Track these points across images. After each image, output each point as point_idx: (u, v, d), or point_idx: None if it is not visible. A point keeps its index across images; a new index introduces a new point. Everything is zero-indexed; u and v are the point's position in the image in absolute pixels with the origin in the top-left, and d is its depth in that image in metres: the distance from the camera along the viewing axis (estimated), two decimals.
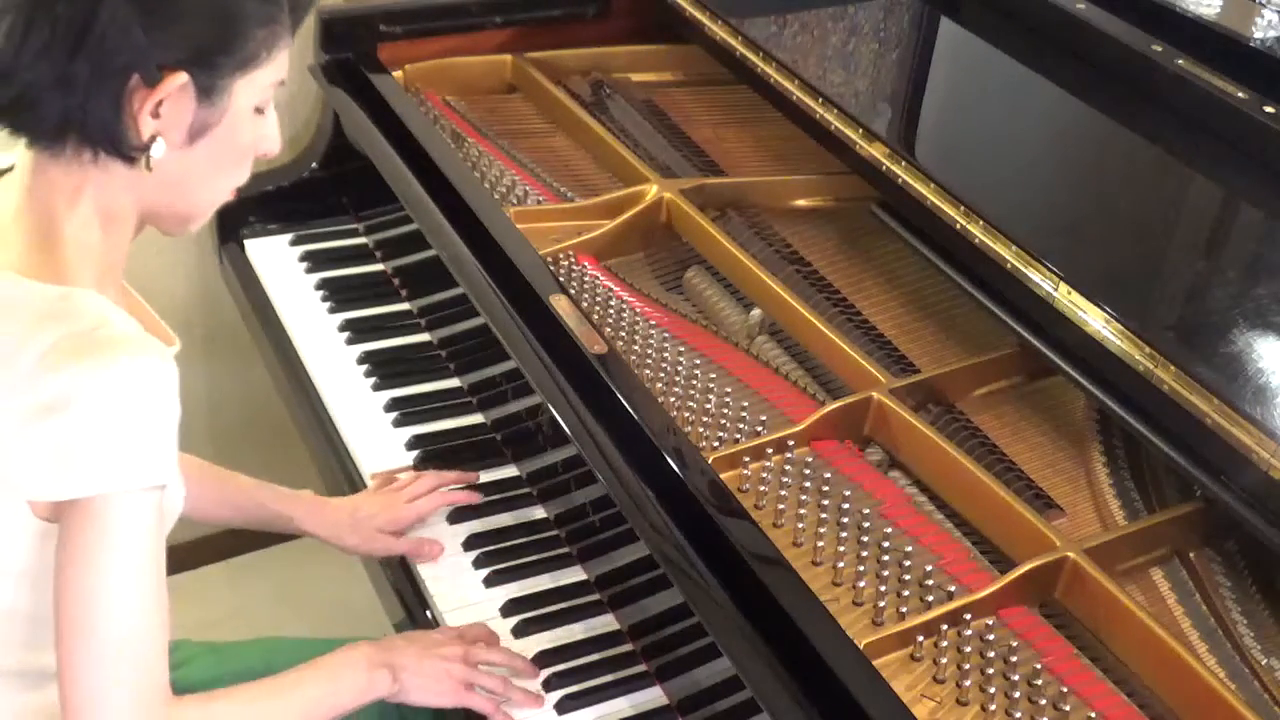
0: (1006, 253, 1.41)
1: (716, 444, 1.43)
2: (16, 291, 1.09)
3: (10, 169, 1.16)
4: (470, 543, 1.55)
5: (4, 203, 1.14)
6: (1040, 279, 1.37)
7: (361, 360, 1.81)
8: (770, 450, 1.42)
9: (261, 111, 1.17)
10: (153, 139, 1.09)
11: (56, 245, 1.11)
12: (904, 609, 1.28)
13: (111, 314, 1.10)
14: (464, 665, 1.35)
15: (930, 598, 1.29)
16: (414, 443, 1.68)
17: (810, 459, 1.43)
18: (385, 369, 1.79)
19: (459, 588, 1.50)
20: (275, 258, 2.00)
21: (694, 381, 1.52)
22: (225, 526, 1.57)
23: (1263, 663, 1.24)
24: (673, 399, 1.49)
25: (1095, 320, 1.32)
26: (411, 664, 1.32)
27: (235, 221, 2.05)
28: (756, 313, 1.64)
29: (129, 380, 1.06)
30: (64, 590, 1.09)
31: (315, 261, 1.98)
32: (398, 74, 1.99)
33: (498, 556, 1.53)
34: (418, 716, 1.47)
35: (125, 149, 1.09)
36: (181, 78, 1.07)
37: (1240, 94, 1.52)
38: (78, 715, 1.09)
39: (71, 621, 1.09)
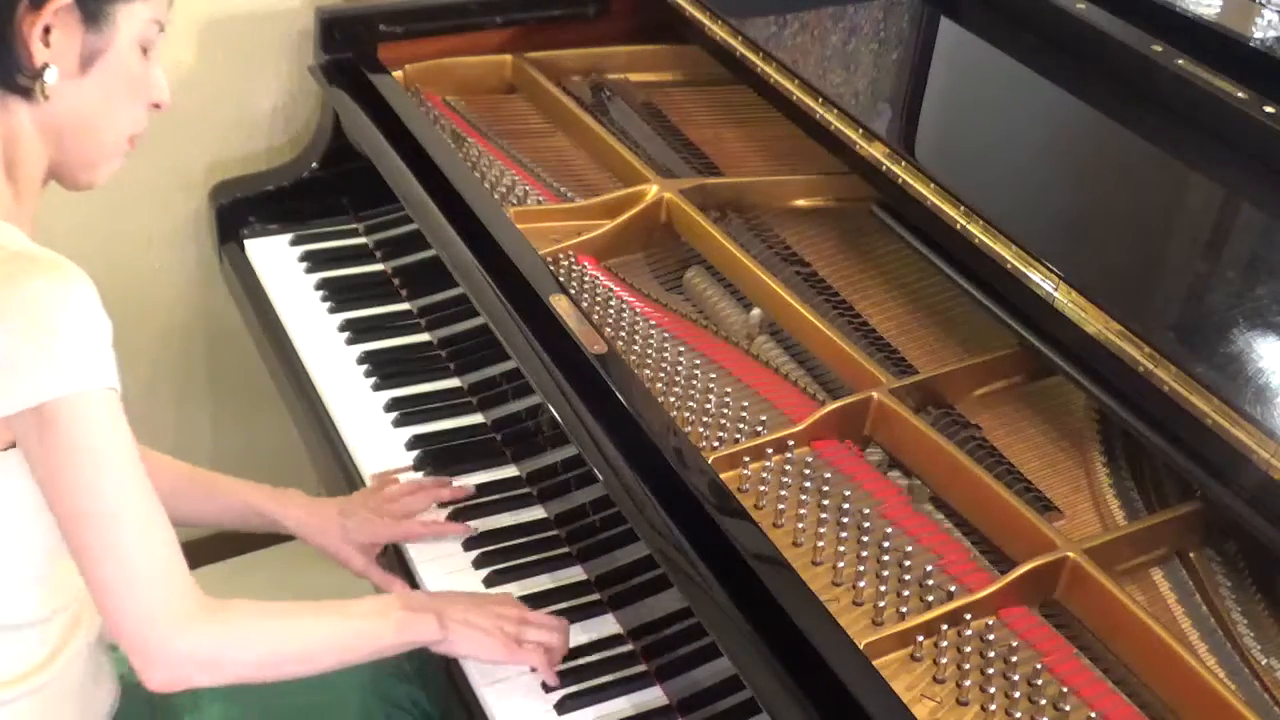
0: (1006, 253, 1.41)
1: (716, 444, 1.43)
2: None
3: None
4: (470, 543, 1.54)
5: None
6: (1040, 279, 1.37)
7: (361, 360, 1.81)
8: (770, 450, 1.42)
9: (146, 53, 1.22)
10: (45, 66, 1.14)
11: None
12: (904, 609, 1.28)
13: (21, 237, 1.14)
14: (516, 624, 1.35)
15: (930, 598, 1.29)
16: (414, 443, 1.68)
17: (810, 459, 1.43)
18: (385, 369, 1.79)
19: (459, 588, 1.50)
20: (275, 258, 2.00)
21: (694, 381, 1.52)
22: (214, 528, 1.57)
23: (1263, 663, 1.24)
24: (673, 399, 1.49)
25: (1095, 320, 1.32)
26: (461, 614, 1.32)
27: (235, 221, 2.05)
28: (757, 312, 1.64)
29: (61, 289, 1.09)
30: (59, 507, 1.11)
31: (315, 261, 1.98)
32: (398, 74, 1.99)
33: (498, 556, 1.53)
34: (402, 689, 1.48)
35: (21, 79, 1.14)
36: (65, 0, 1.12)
37: (1240, 94, 1.52)
38: (120, 623, 1.12)
39: (80, 533, 1.11)
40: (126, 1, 1.16)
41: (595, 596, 1.48)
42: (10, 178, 1.18)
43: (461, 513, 1.58)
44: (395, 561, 1.56)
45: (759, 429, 1.45)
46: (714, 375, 1.53)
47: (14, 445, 1.13)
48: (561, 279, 1.60)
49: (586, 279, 1.66)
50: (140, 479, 1.13)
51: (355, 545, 1.52)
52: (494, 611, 1.35)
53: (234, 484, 1.54)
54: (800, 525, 1.36)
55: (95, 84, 1.18)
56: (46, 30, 1.12)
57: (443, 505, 1.59)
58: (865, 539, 1.35)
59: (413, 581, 1.52)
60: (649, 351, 1.56)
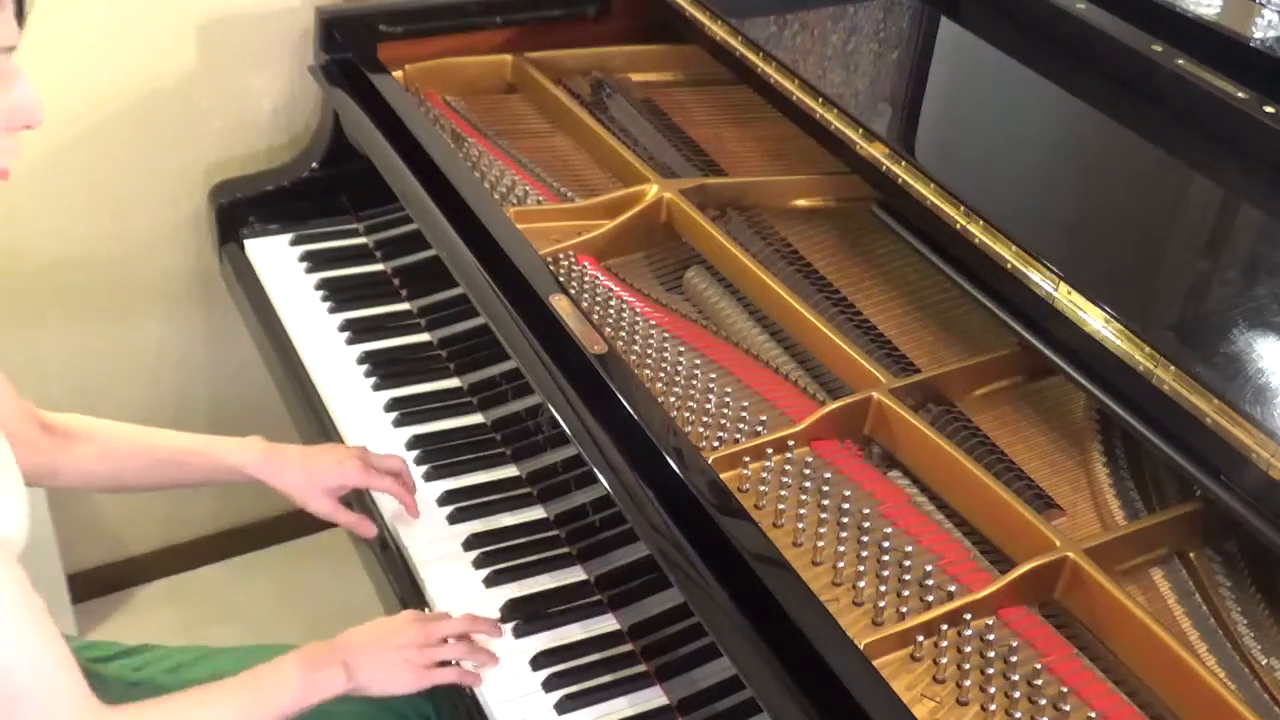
0: (1006, 253, 1.41)
1: (716, 444, 1.43)
2: None
3: None
4: (470, 543, 1.55)
5: None
6: (1040, 279, 1.37)
7: (361, 360, 1.81)
8: (770, 450, 1.42)
9: None
10: None
11: None
12: (904, 609, 1.28)
13: None
14: (422, 649, 1.34)
15: (930, 598, 1.29)
16: (414, 442, 1.68)
17: (810, 459, 1.43)
18: (385, 369, 1.79)
19: (459, 588, 1.50)
20: (275, 258, 2.00)
21: (694, 381, 1.52)
22: (175, 487, 1.57)
23: (1263, 663, 1.24)
24: (673, 399, 1.49)
25: (1095, 320, 1.32)
26: (366, 660, 1.31)
27: (235, 221, 2.05)
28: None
29: None
30: None
31: (315, 261, 1.98)
32: (398, 74, 1.99)
33: (498, 556, 1.53)
34: (404, 706, 1.47)
35: None
36: None
37: (1240, 94, 1.52)
38: None
39: None
40: None
41: (595, 596, 1.48)
42: None
43: (462, 513, 1.58)
44: (397, 564, 1.56)
45: (759, 429, 1.45)
46: (714, 375, 1.53)
47: None
48: (561, 279, 1.60)
49: (586, 279, 1.66)
50: (26, 628, 1.09)
51: (320, 488, 1.52)
52: (397, 642, 1.34)
53: (196, 443, 1.52)
54: (800, 525, 1.36)
55: None
56: None
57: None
58: (865, 539, 1.35)
59: (412, 581, 1.53)
60: (649, 351, 1.56)
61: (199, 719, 1.23)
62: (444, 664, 1.37)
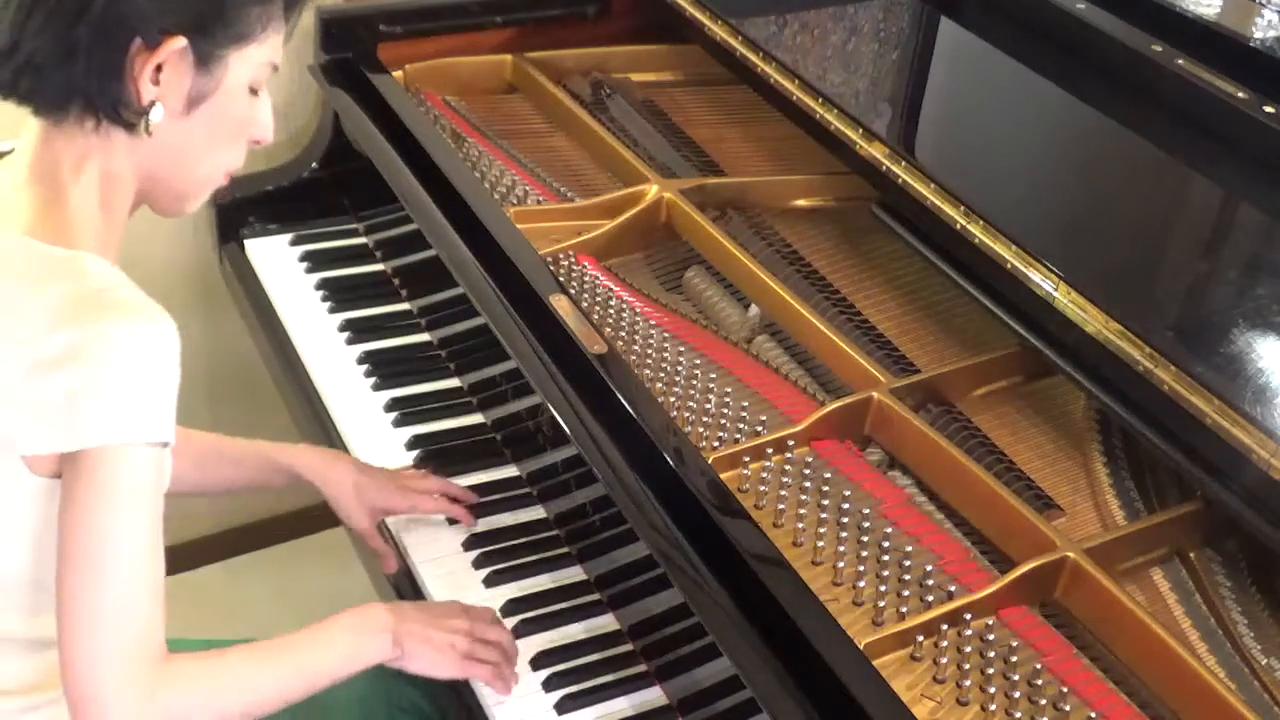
0: (1006, 253, 1.41)
1: (716, 444, 1.43)
2: (28, 251, 1.14)
3: (9, 151, 1.20)
4: (470, 543, 1.55)
5: (9, 176, 1.19)
6: (1040, 279, 1.37)
7: (361, 360, 1.81)
8: (770, 450, 1.42)
9: (255, 93, 1.22)
10: (152, 104, 1.14)
11: (63, 211, 1.16)
12: (904, 609, 1.28)
13: (118, 278, 1.15)
14: (467, 638, 1.35)
15: (930, 598, 1.29)
16: (414, 443, 1.68)
17: (810, 459, 1.43)
18: (385, 369, 1.79)
19: (459, 588, 1.50)
20: (275, 258, 2.00)
21: (694, 381, 1.52)
22: (228, 491, 1.58)
23: (1263, 663, 1.24)
24: (673, 399, 1.49)
25: (1095, 320, 1.32)
26: (417, 632, 1.32)
27: (235, 221, 2.05)
28: (755, 310, 1.64)
29: (138, 338, 1.10)
30: (65, 542, 1.11)
31: (315, 261, 1.98)
32: (398, 74, 1.99)
33: (498, 556, 1.53)
34: (405, 692, 1.48)
35: (126, 113, 1.14)
36: (180, 42, 1.11)
37: (1240, 94, 1.52)
38: (74, 666, 1.11)
39: (71, 573, 1.10)
40: (240, 46, 1.16)
41: (595, 596, 1.48)
42: (105, 207, 1.18)
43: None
44: (398, 562, 1.55)
45: (759, 429, 1.45)
46: (714, 375, 1.53)
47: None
48: (561, 279, 1.60)
49: (586, 279, 1.66)
50: (150, 540, 1.12)
51: (364, 504, 1.53)
52: (447, 626, 1.35)
53: (255, 445, 1.56)
54: (800, 525, 1.36)
55: (199, 124, 1.18)
56: (158, 69, 1.12)
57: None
58: (865, 539, 1.35)
59: (414, 582, 1.52)
60: (649, 351, 1.56)
61: (249, 676, 1.24)
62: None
